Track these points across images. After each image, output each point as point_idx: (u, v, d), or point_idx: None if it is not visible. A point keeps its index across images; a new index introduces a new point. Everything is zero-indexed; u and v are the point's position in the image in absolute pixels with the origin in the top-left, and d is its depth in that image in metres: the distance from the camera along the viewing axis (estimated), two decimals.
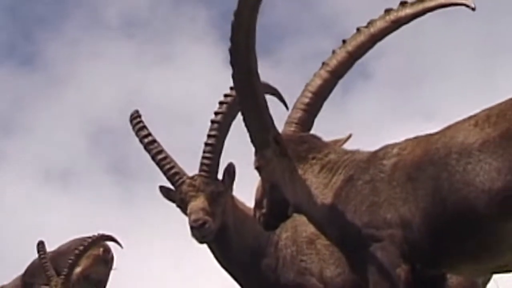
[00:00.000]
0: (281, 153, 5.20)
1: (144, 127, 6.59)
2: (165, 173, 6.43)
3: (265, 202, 5.30)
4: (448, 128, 4.68)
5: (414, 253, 4.64)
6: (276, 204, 5.26)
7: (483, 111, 4.55)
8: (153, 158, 6.49)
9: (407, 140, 4.93)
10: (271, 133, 5.18)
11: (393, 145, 4.97)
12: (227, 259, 6.38)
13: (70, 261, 10.71)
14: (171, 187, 6.42)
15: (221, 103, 6.29)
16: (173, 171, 6.40)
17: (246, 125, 5.22)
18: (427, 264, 4.69)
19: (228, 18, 4.85)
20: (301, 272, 6.10)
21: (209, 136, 6.32)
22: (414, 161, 4.71)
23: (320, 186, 5.15)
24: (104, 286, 13.49)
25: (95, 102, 26.32)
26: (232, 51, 4.97)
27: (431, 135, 4.77)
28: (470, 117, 4.59)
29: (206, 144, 6.32)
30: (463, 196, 4.38)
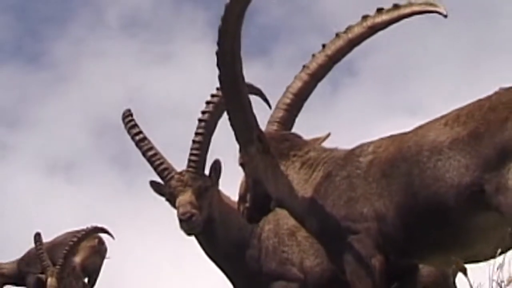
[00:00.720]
0: (264, 150, 5.26)
1: (136, 125, 6.63)
2: (155, 168, 6.48)
3: (248, 196, 5.36)
4: (420, 127, 4.75)
5: (388, 245, 4.73)
6: (259, 198, 5.33)
7: (453, 111, 4.63)
8: (143, 154, 6.53)
9: (382, 139, 5.02)
10: (254, 131, 5.24)
11: (368, 144, 5.05)
12: (213, 250, 6.43)
13: (64, 252, 10.80)
14: (161, 182, 6.47)
15: (207, 102, 6.34)
16: (162, 166, 6.45)
17: (231, 124, 5.28)
18: (400, 255, 4.77)
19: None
20: (282, 262, 6.15)
21: (196, 134, 6.37)
22: (388, 158, 4.79)
23: (301, 181, 5.22)
24: (97, 275, 13.65)
25: (98, 98, 26.38)
26: (219, 55, 5.03)
27: (404, 134, 4.85)
28: (441, 117, 4.66)
29: (194, 142, 6.37)
30: (434, 191, 4.46)
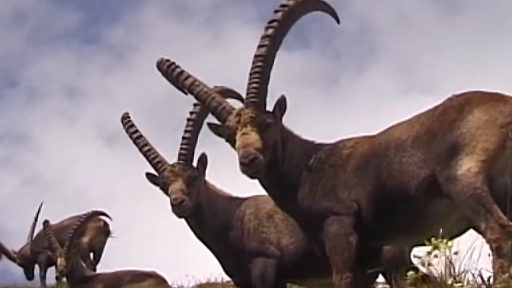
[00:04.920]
0: (280, 118, 5.23)
1: (133, 125, 6.71)
2: (150, 162, 6.57)
3: (268, 153, 5.04)
4: (390, 128, 4.98)
5: (362, 227, 4.92)
6: (273, 157, 5.12)
7: (417, 115, 4.87)
8: (140, 149, 6.62)
9: (361, 136, 5.21)
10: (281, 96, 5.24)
11: (349, 139, 5.23)
12: (201, 231, 6.53)
13: (70, 234, 10.98)
14: (155, 173, 6.56)
15: (195, 105, 6.43)
16: (156, 160, 6.54)
17: (262, 84, 5.12)
18: (371, 237, 4.97)
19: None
20: (262, 241, 6.28)
21: (185, 131, 6.48)
22: (363, 153, 5.00)
23: (299, 158, 5.26)
24: (102, 252, 13.93)
25: (151, 78, 26.54)
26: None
27: (378, 134, 5.06)
28: (408, 119, 4.90)
29: (183, 138, 6.48)
30: (398, 181, 4.69)
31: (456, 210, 4.53)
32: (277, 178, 5.25)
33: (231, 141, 5.10)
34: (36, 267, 14.80)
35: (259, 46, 5.12)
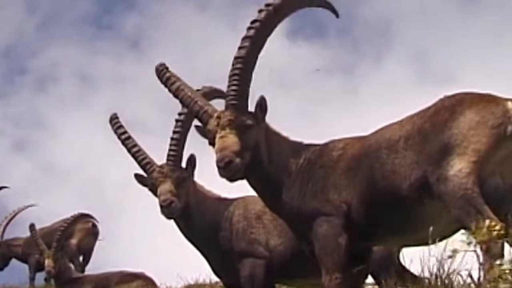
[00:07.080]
0: (263, 119, 5.18)
1: (122, 126, 6.67)
2: (138, 163, 6.54)
3: (247, 154, 5.02)
4: (382, 128, 4.94)
5: (352, 228, 4.87)
6: (255, 160, 5.09)
7: (409, 115, 4.84)
8: (129, 150, 6.58)
9: (350, 137, 5.17)
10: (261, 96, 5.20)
11: (339, 140, 5.19)
12: (191, 232, 6.49)
13: (57, 236, 10.98)
14: (144, 174, 6.54)
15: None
16: (145, 161, 6.51)
17: (244, 87, 5.10)
18: (362, 238, 4.93)
19: None
20: (251, 242, 6.24)
21: (174, 132, 6.47)
22: (354, 154, 4.95)
23: (287, 159, 5.22)
24: (91, 254, 13.91)
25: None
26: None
27: (369, 134, 5.02)
28: (400, 120, 4.87)
29: (172, 139, 6.47)
30: (390, 182, 4.65)
31: (448, 211, 4.49)
32: (264, 178, 5.22)
33: (213, 145, 5.06)
34: (18, 264, 14.77)
35: (239, 48, 5.09)
